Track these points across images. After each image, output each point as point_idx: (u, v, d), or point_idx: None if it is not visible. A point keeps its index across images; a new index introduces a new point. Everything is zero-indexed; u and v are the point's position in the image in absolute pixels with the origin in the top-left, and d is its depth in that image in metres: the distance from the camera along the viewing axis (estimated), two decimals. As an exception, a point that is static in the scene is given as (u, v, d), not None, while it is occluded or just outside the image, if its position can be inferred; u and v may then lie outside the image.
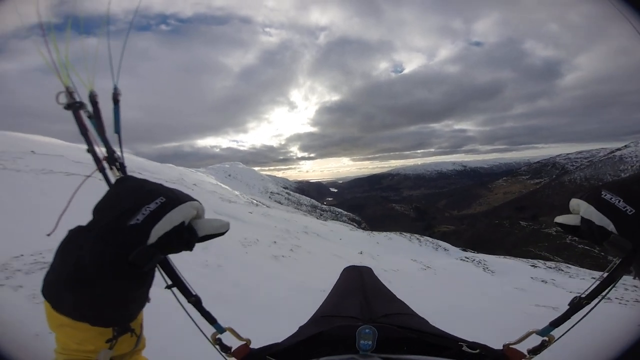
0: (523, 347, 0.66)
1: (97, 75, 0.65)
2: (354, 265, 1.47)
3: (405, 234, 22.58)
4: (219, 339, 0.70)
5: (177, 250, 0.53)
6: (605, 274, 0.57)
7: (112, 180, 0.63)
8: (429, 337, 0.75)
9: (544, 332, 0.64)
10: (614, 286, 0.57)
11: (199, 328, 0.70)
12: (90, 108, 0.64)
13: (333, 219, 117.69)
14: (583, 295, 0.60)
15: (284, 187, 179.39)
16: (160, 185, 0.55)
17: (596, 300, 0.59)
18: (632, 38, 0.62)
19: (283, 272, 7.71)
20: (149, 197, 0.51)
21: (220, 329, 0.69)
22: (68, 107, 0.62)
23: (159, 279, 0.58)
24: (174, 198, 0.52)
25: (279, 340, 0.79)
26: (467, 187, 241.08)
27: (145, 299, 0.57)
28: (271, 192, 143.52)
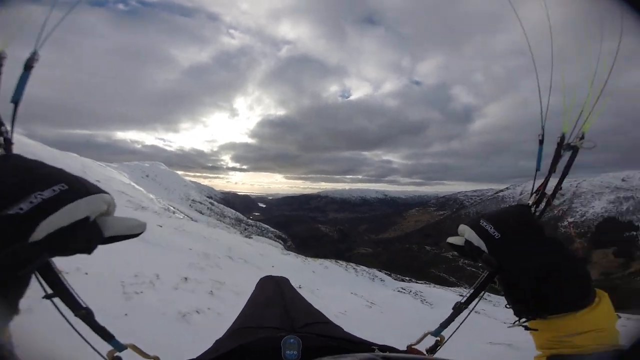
0: (422, 347, 0.77)
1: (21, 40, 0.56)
2: (270, 276, 1.46)
3: (340, 262, 21.64)
4: (118, 357, 0.61)
5: (71, 251, 0.44)
6: (477, 284, 0.72)
7: None
8: (346, 344, 0.79)
9: (436, 332, 0.78)
10: (484, 293, 0.72)
11: (91, 346, 0.59)
12: None
13: (258, 234, 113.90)
14: (462, 301, 0.75)
15: (208, 197, 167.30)
16: (62, 170, 0.45)
17: (473, 304, 0.74)
18: (534, 91, 0.77)
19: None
20: (43, 181, 0.41)
21: (120, 347, 0.61)
22: None
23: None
24: (80, 187, 0.43)
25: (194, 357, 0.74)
26: (385, 214, 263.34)
27: (12, 311, 0.42)
28: (193, 200, 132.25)
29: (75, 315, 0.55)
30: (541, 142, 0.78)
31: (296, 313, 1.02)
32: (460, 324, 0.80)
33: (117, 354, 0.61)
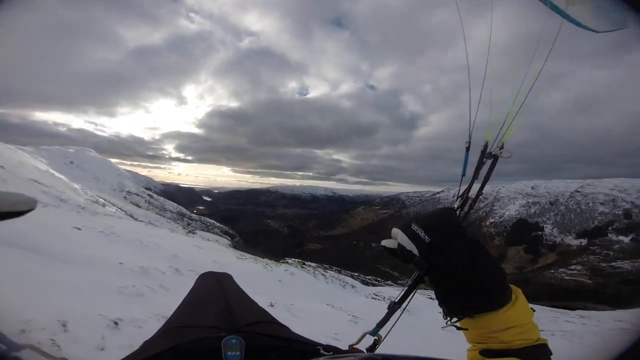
0: (362, 346, 0.80)
1: None
2: (211, 272, 1.37)
3: (307, 266, 19.38)
4: (16, 358, 0.53)
5: None
6: (408, 285, 0.76)
7: None
8: (293, 344, 0.79)
9: (374, 332, 0.80)
10: (414, 293, 0.76)
11: None
12: None
13: (203, 230, 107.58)
14: (396, 301, 0.78)
15: (146, 188, 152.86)
16: None
17: (405, 304, 0.78)
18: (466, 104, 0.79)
19: None
20: None
21: (14, 346, 0.52)
22: None
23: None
24: None
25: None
26: (334, 211, 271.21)
27: None
28: (128, 192, 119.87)
29: None
30: (467, 149, 0.84)
31: (239, 311, 0.96)
32: (395, 322, 0.82)
33: (14, 354, 0.53)
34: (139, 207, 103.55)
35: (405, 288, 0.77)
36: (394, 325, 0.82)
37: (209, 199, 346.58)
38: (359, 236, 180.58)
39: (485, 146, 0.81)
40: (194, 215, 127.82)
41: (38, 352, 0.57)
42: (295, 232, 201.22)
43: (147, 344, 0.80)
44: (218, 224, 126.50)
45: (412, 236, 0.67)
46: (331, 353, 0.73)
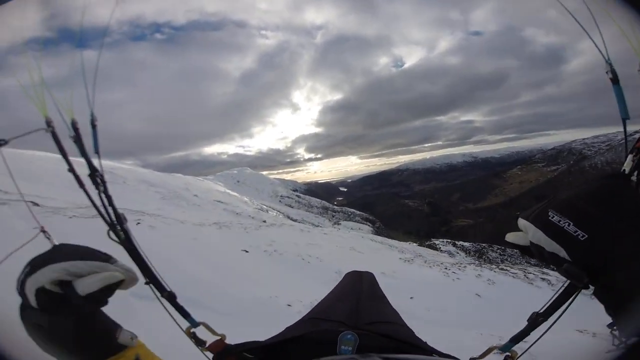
0: None
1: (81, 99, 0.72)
2: (356, 270, 1.36)
3: (510, 269, 12.94)
4: (194, 333, 0.72)
5: (66, 314, 0.54)
6: (559, 293, 0.57)
7: (94, 196, 0.70)
8: (406, 347, 0.74)
9: (505, 348, 0.66)
10: (568, 306, 0.56)
11: (175, 320, 0.73)
12: (72, 133, 0.71)
13: (346, 219, 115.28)
14: (540, 312, 0.61)
15: (293, 190, 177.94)
16: (43, 253, 0.56)
17: (553, 319, 0.61)
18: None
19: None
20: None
21: (194, 323, 0.73)
22: (52, 133, 0.68)
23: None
24: (36, 265, 0.53)
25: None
26: (479, 179, 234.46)
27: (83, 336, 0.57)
28: (281, 196, 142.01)
29: (162, 296, 0.71)
30: (615, 79, 0.57)
31: (366, 310, 0.95)
32: (537, 340, 0.64)
33: (192, 329, 0.72)
34: (292, 207, 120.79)
35: (554, 297, 0.58)
36: (534, 343, 0.66)
37: (345, 189, 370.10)
38: (521, 203, 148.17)
39: None
40: (336, 208, 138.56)
41: (208, 329, 0.71)
42: (437, 208, 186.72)
43: (285, 330, 0.86)
44: (358, 212, 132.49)
45: (555, 233, 0.46)
46: None
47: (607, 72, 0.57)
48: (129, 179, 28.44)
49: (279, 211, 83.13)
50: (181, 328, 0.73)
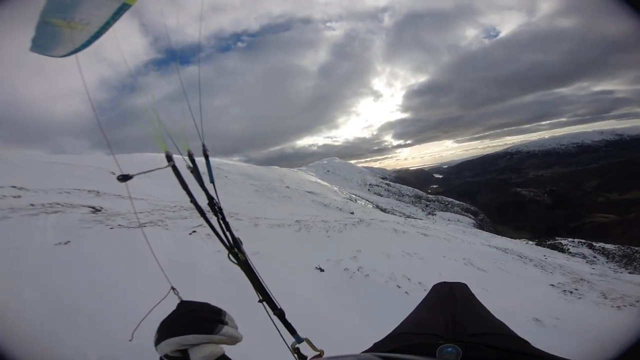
0: None
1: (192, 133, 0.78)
2: (445, 282, 1.28)
3: None
4: (297, 349, 0.81)
5: None
6: None
7: (216, 226, 0.81)
8: (523, 357, 0.68)
9: None
10: None
11: (282, 337, 0.83)
12: (190, 163, 0.79)
13: (442, 210, 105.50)
14: None
15: (382, 178, 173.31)
16: (167, 320, 0.69)
17: None
18: None
19: None
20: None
21: (299, 339, 0.82)
22: (173, 167, 0.78)
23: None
24: (161, 334, 0.66)
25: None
26: (627, 162, 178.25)
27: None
28: (370, 184, 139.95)
29: (274, 314, 0.82)
30: None
31: (464, 321, 0.88)
32: None
33: (297, 345, 0.81)
34: (381, 196, 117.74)
35: None
36: None
37: (440, 176, 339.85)
38: None
39: None
40: (430, 196, 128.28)
41: (310, 345, 0.80)
42: (563, 199, 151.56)
43: (374, 346, 0.86)
44: (457, 202, 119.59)
45: None
46: None
47: None
48: (232, 172, 32.22)
49: (367, 200, 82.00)
50: (286, 344, 0.82)
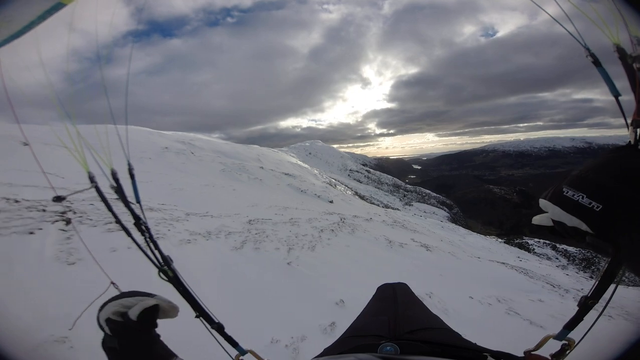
0: (545, 353, 0.67)
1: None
2: (388, 283, 1.35)
3: None
4: None
5: (130, 337, 0.69)
6: (602, 273, 0.57)
7: (140, 242, 0.80)
8: (453, 350, 0.72)
9: (560, 336, 0.65)
10: (618, 285, 0.57)
11: (224, 349, 0.81)
12: (113, 184, 0.78)
13: (419, 201, 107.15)
14: (588, 295, 0.61)
15: (363, 164, 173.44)
16: (111, 297, 0.72)
17: (605, 302, 0.62)
18: None
19: None
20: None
21: (242, 351, 0.80)
22: (96, 188, 0.78)
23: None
24: (103, 304, 0.70)
25: None
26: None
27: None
28: (350, 170, 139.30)
29: (212, 327, 0.80)
30: (596, 62, 0.60)
31: (404, 320, 0.94)
32: (593, 325, 0.66)
33: (240, 357, 0.80)
34: (360, 182, 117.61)
35: (599, 278, 0.58)
36: (590, 328, 0.66)
37: (419, 167, 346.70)
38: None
39: (620, 50, 0.58)
40: (409, 187, 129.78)
41: (255, 356, 0.79)
42: (531, 199, 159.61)
43: (325, 351, 0.88)
44: (434, 194, 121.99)
45: (571, 206, 0.49)
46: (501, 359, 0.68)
47: (586, 57, 0.60)
48: (204, 149, 28.98)
49: (347, 186, 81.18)
50: (230, 356, 0.80)
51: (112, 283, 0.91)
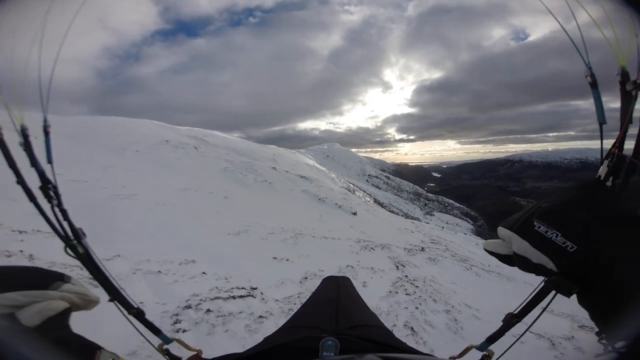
0: None
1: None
2: (332, 276, 1.36)
3: None
4: (167, 350, 0.70)
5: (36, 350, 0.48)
6: (531, 296, 0.57)
7: (45, 207, 0.64)
8: (386, 349, 0.74)
9: (482, 347, 0.68)
10: (544, 310, 0.57)
11: (146, 338, 0.71)
12: (21, 140, 0.66)
13: (441, 211, 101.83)
14: (515, 313, 0.61)
15: (381, 170, 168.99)
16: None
17: (529, 321, 0.61)
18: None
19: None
20: None
21: (167, 340, 0.71)
22: None
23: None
24: None
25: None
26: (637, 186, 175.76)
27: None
28: (369, 175, 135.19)
29: (129, 313, 0.68)
30: (594, 84, 0.57)
31: (345, 315, 0.94)
32: (516, 341, 0.69)
33: (165, 346, 0.70)
34: (379, 188, 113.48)
35: (528, 299, 0.58)
36: (512, 345, 0.69)
37: (438, 175, 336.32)
38: None
39: (624, 74, 0.54)
40: (430, 195, 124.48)
41: (182, 345, 0.71)
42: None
43: (264, 340, 0.85)
44: (457, 205, 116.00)
45: (542, 243, 0.46)
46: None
47: (586, 77, 0.58)
48: (216, 145, 26.52)
49: (365, 192, 77.59)
50: (153, 345, 0.71)
51: None
